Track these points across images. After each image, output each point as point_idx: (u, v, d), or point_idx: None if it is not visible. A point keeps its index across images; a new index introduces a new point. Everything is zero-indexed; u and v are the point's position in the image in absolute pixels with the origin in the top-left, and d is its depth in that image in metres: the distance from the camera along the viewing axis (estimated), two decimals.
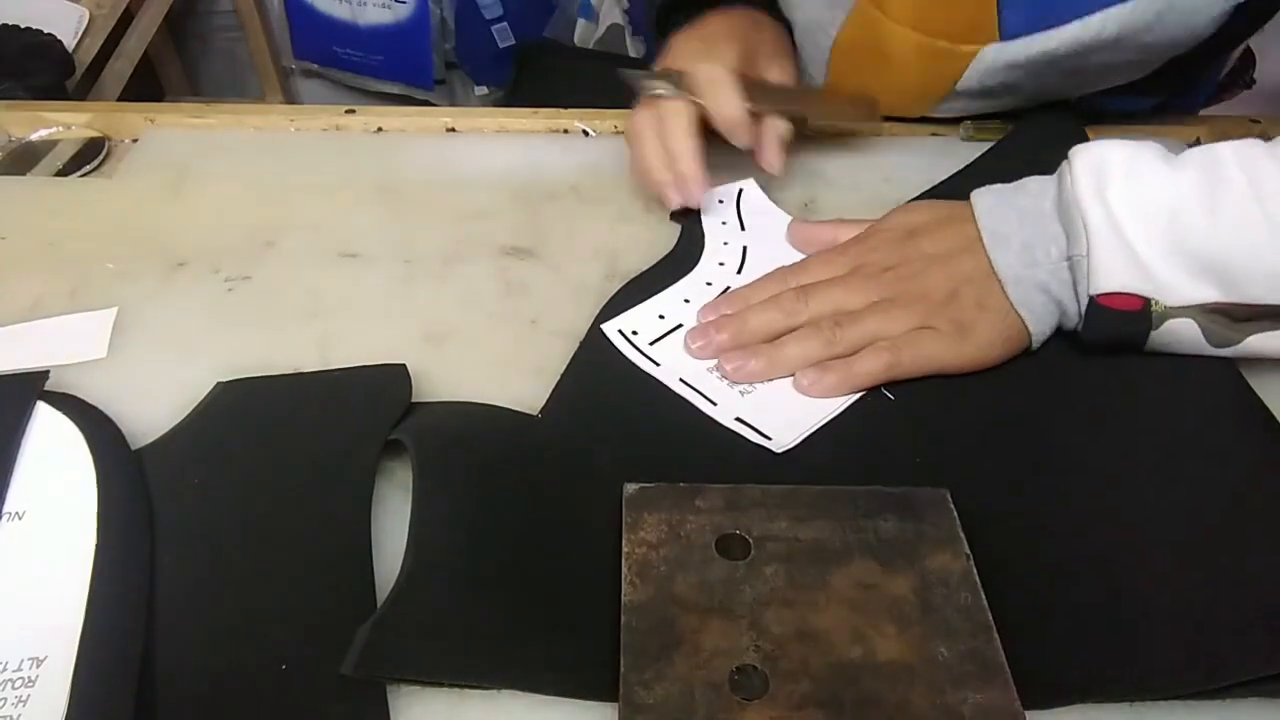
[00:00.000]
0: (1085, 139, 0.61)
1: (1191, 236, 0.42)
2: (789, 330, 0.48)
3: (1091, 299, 0.44)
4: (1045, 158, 0.60)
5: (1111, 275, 0.44)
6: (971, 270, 0.47)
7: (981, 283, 0.47)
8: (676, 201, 0.55)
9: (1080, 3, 0.52)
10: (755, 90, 0.54)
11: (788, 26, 0.63)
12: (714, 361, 0.47)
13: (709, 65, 0.53)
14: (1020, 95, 0.61)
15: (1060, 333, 0.48)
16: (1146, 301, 0.44)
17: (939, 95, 0.61)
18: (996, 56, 0.56)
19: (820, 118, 0.62)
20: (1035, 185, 0.48)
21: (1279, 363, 0.46)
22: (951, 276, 0.47)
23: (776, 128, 0.56)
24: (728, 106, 0.53)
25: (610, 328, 0.49)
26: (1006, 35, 0.55)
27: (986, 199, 0.48)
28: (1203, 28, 0.52)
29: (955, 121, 0.65)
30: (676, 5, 0.61)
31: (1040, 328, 0.47)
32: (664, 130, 0.54)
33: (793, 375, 0.46)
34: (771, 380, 0.47)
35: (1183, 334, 0.44)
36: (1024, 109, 0.62)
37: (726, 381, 0.46)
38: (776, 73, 0.58)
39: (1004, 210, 0.47)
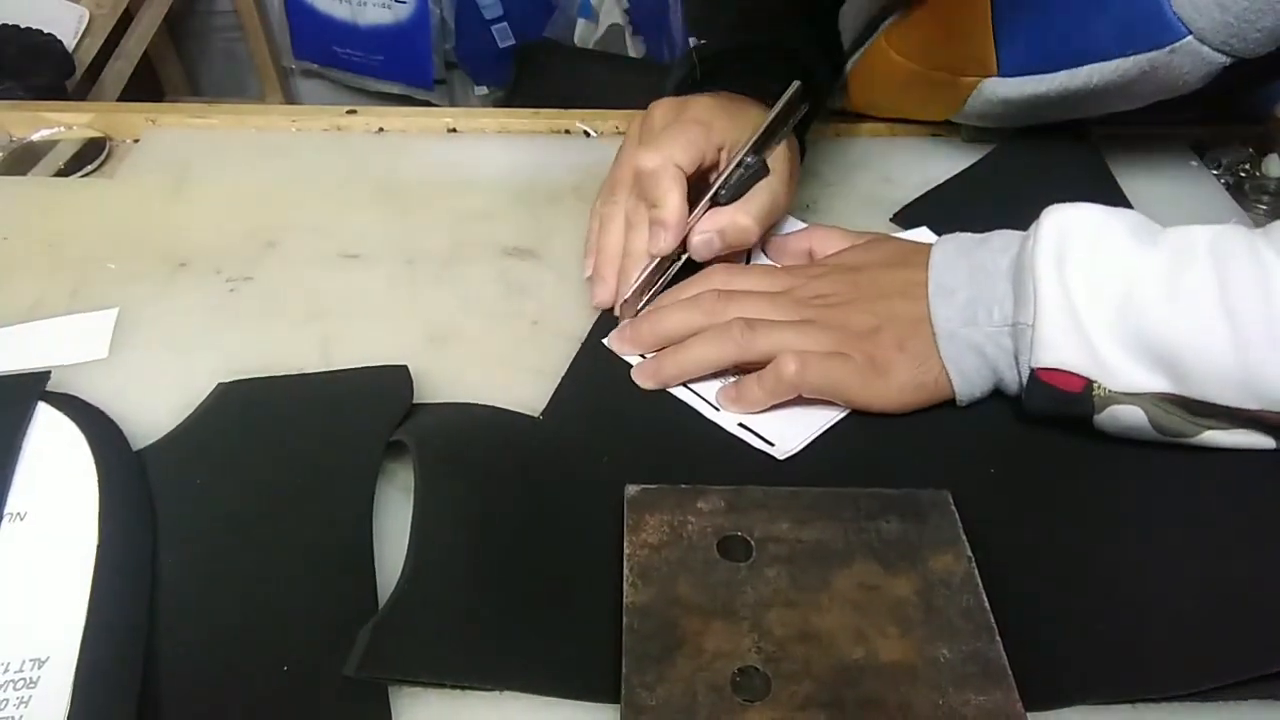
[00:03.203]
0: (1087, 141, 0.62)
1: (1145, 323, 0.40)
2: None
3: (1033, 372, 0.42)
4: (1046, 161, 0.61)
5: (1055, 350, 0.41)
6: (902, 313, 0.45)
7: (908, 327, 0.45)
8: (600, 304, 0.51)
9: (1070, 55, 0.53)
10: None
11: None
12: None
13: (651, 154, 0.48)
14: (1026, 123, 0.61)
15: None
16: (1088, 383, 0.41)
17: (944, 118, 0.62)
18: (994, 90, 0.57)
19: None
20: (999, 241, 0.45)
21: None
22: (877, 314, 0.45)
23: (722, 221, 0.49)
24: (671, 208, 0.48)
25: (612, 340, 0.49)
26: (1004, 71, 0.56)
27: (945, 248, 0.46)
28: (1192, 84, 0.51)
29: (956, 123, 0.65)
30: (693, 84, 0.56)
31: (968, 389, 0.44)
32: (633, 225, 0.50)
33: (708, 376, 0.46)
34: (687, 383, 0.46)
35: (1128, 421, 0.41)
36: None
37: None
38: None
39: (958, 263, 0.45)
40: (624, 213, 0.51)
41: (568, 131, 0.66)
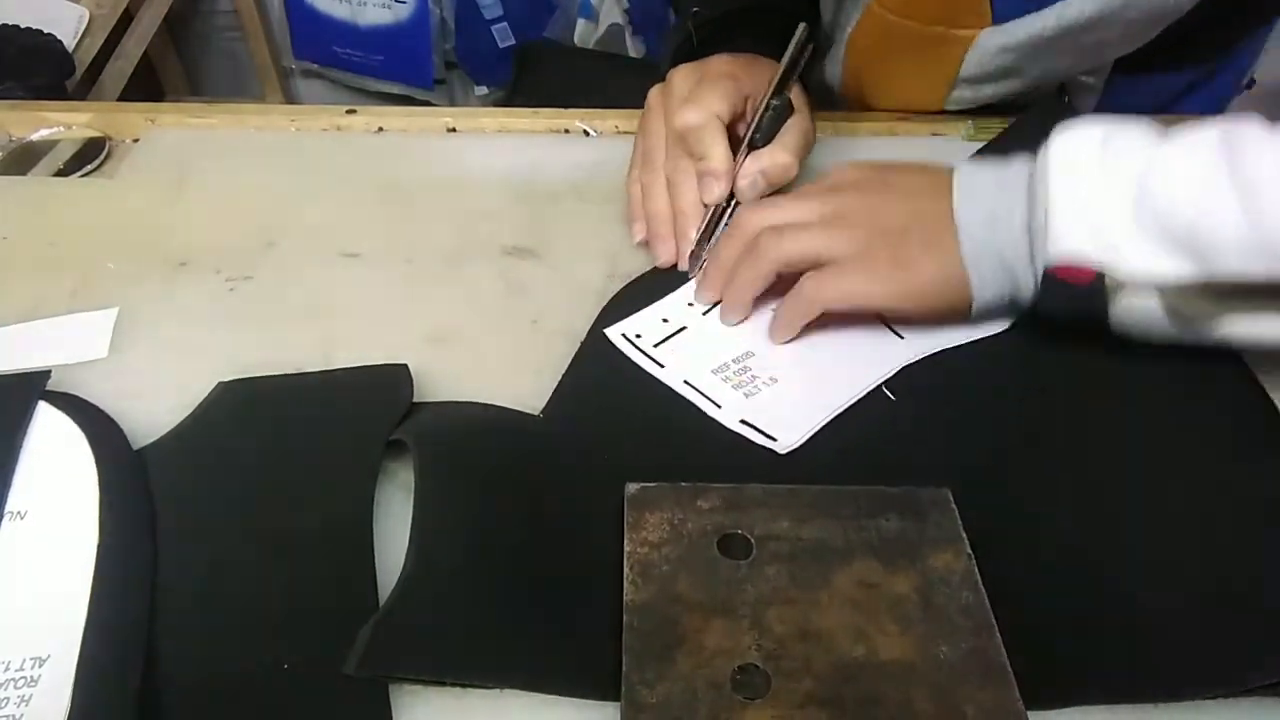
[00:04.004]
0: None
1: (1160, 205, 0.41)
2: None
3: (1046, 269, 0.43)
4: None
5: (1066, 240, 0.42)
6: (930, 211, 0.46)
7: (934, 227, 0.46)
8: (666, 261, 0.53)
9: None
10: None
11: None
12: (719, 363, 0.47)
13: (694, 111, 0.52)
14: (1025, 78, 0.61)
15: (1058, 330, 0.47)
16: (1100, 275, 0.42)
17: (946, 83, 0.63)
18: (990, 39, 0.58)
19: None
20: (1020, 162, 0.47)
21: None
22: (908, 212, 0.47)
23: (764, 162, 0.52)
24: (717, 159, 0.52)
25: (614, 332, 0.49)
26: (998, 19, 0.57)
27: (971, 164, 0.48)
28: (1184, 4, 0.52)
29: (958, 119, 0.65)
30: (690, 51, 0.59)
31: (984, 293, 0.46)
32: (677, 184, 0.53)
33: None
34: (750, 316, 0.49)
35: (1144, 314, 0.43)
36: (1028, 102, 0.63)
37: (730, 384, 0.46)
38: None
39: (983, 176, 0.47)
40: (664, 176, 0.54)
41: (567, 131, 0.66)
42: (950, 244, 0.45)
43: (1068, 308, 0.43)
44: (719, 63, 0.55)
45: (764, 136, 0.52)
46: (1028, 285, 0.45)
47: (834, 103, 0.70)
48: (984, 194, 0.46)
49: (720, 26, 0.59)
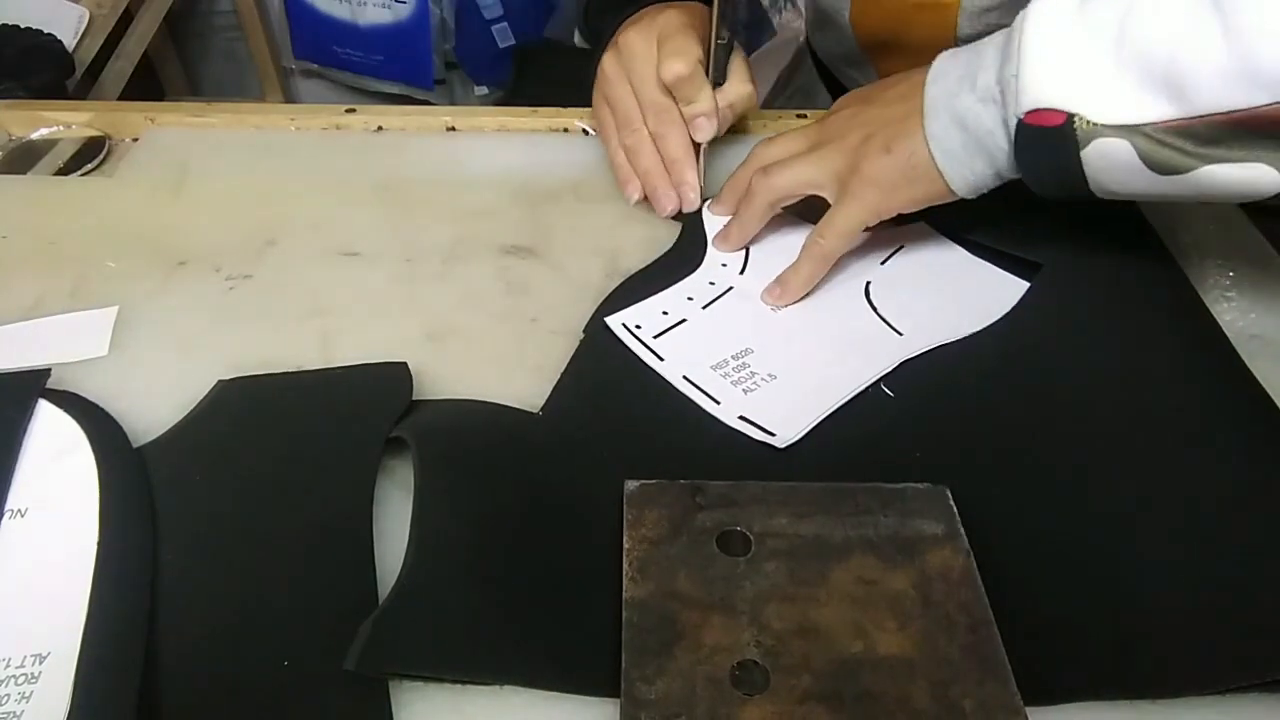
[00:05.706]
0: None
1: (1139, 42, 0.40)
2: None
3: (1019, 122, 0.43)
4: None
5: (1035, 89, 0.42)
6: (894, 115, 0.48)
7: (895, 127, 0.47)
8: (672, 209, 0.57)
9: None
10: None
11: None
12: (718, 359, 0.47)
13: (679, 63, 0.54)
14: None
15: (1063, 321, 0.48)
16: (1069, 117, 0.42)
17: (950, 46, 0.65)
18: (972, 1, 0.62)
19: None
20: (999, 34, 0.46)
21: None
22: (868, 124, 0.49)
23: (730, 96, 0.57)
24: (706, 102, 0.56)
25: (614, 321, 0.49)
26: None
27: (952, 49, 0.48)
28: None
29: None
30: (608, 7, 0.62)
31: (957, 168, 0.46)
32: (663, 136, 0.56)
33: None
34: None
35: (1117, 156, 0.42)
36: None
37: (730, 380, 0.46)
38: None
39: (958, 54, 0.47)
40: (647, 134, 0.57)
41: (566, 130, 0.66)
42: (914, 134, 0.46)
43: (1041, 160, 0.43)
44: (670, 16, 0.57)
45: (720, 73, 0.56)
46: (1001, 150, 0.45)
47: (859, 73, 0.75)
48: (952, 70, 0.46)
49: None
